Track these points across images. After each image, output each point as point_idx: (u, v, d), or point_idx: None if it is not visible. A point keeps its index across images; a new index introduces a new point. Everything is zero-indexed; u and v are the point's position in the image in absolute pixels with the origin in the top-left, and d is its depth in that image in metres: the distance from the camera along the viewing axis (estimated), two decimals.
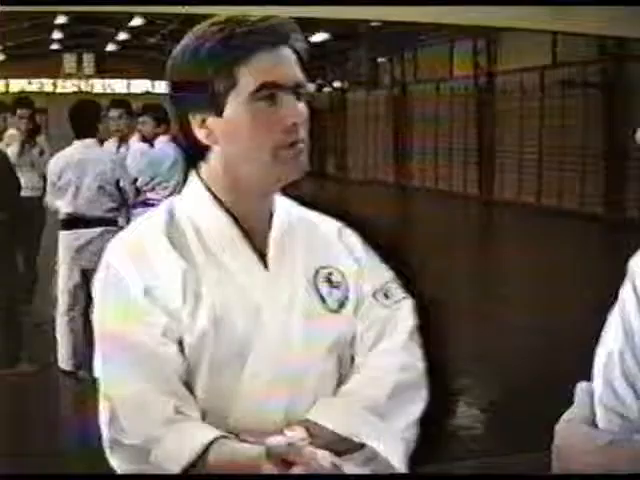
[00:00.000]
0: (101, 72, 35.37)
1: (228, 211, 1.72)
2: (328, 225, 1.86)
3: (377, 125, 29.55)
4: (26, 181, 7.68)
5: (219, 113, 1.65)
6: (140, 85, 34.53)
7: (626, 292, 1.41)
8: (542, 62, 20.13)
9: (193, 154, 1.75)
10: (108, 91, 33.73)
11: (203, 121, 1.66)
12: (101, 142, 6.95)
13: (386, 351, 1.79)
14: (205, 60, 1.63)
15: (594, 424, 1.38)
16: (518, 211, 20.30)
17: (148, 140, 7.39)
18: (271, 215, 1.76)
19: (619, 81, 17.73)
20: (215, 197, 1.72)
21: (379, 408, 1.73)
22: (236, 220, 1.72)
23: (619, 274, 1.49)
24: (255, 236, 1.73)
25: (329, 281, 1.78)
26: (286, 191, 1.80)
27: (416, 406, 1.78)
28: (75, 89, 34.32)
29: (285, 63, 1.66)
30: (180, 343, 1.65)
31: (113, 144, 7.56)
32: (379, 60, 28.55)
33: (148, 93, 33.73)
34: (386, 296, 1.83)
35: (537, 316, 9.35)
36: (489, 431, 6.16)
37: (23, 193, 7.18)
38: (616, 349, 1.39)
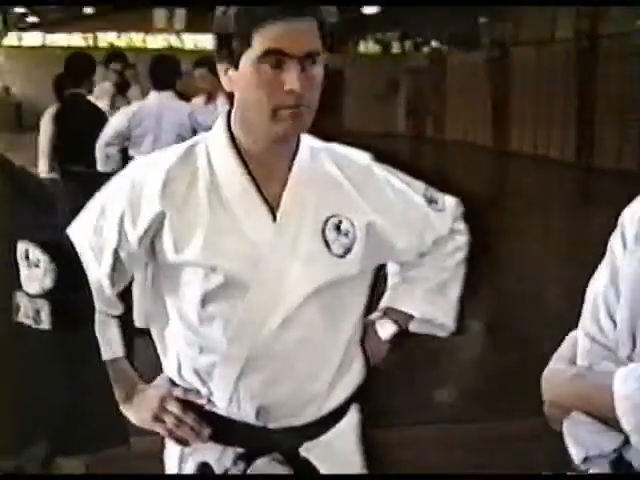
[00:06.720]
0: (192, 28, 34.76)
1: (241, 155, 1.91)
2: (353, 169, 2.00)
3: (476, 87, 29.08)
4: None
5: (236, 66, 1.87)
6: None
7: (615, 240, 1.60)
8: None
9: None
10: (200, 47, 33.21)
11: (227, 70, 1.90)
12: (183, 97, 7.05)
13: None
14: (230, 19, 1.85)
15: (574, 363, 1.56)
16: (618, 178, 19.80)
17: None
18: (293, 160, 1.93)
19: None
20: (233, 139, 1.93)
21: (445, 289, 2.15)
22: (247, 167, 1.90)
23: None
24: (270, 183, 1.91)
25: (337, 229, 1.92)
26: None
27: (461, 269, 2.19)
28: (165, 44, 33.72)
29: (297, 33, 1.83)
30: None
31: (201, 101, 7.59)
32: (480, 21, 28.06)
33: None
34: (435, 202, 2.08)
35: None
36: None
37: None
38: (602, 287, 1.58)
